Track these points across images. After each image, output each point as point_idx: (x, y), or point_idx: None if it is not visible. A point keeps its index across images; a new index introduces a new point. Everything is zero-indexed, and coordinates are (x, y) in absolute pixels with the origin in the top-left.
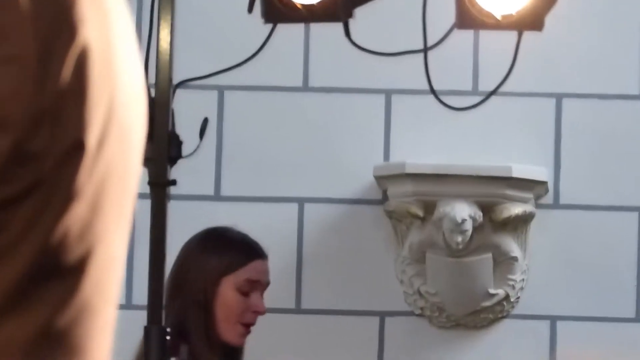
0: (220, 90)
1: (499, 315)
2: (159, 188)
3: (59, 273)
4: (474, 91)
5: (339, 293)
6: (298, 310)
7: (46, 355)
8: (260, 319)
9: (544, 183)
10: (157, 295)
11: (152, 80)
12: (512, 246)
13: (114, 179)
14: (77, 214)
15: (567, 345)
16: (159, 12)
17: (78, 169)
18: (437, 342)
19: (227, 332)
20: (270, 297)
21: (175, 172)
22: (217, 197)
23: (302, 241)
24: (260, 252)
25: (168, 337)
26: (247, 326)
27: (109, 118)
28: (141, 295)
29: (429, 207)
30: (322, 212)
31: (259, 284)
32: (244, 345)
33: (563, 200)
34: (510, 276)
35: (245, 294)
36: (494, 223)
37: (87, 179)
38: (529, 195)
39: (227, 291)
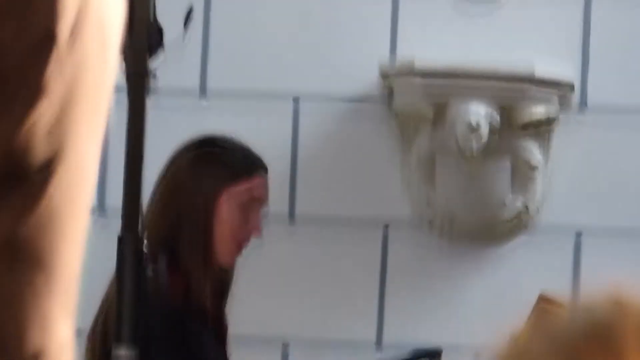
0: None
1: (517, 229)
2: (137, 78)
3: (24, 177)
4: None
5: (337, 201)
6: (292, 219)
7: (7, 267)
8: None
9: (569, 83)
10: (133, 200)
11: None
12: (533, 153)
13: (87, 77)
14: (44, 111)
15: (592, 262)
16: None
17: (47, 62)
18: (446, 257)
19: (221, 252)
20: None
21: (156, 66)
22: (203, 92)
23: (297, 143)
24: (265, 167)
25: (144, 248)
26: (241, 247)
27: (83, 8)
28: (116, 199)
29: (440, 108)
30: (321, 111)
31: (259, 203)
32: (234, 268)
33: (591, 102)
34: (530, 186)
35: (244, 211)
36: (513, 127)
37: (57, 74)
38: (553, 96)
39: (228, 206)
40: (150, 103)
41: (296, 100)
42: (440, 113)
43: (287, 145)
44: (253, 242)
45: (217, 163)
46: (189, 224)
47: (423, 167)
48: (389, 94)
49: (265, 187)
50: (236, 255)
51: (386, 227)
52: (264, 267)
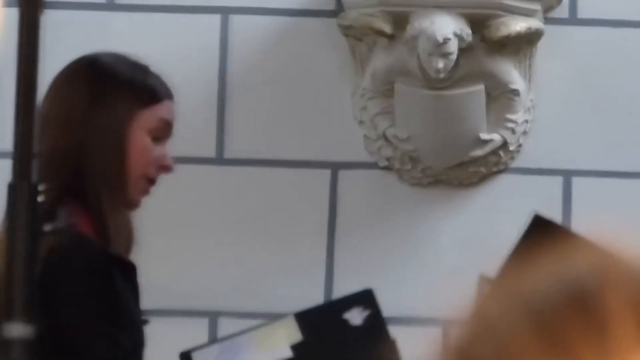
0: None
1: (494, 169)
2: None
3: None
4: None
5: (274, 137)
6: (220, 159)
7: None
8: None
9: None
10: (25, 140)
11: None
12: (512, 75)
13: None
14: None
15: (584, 208)
16: None
17: None
18: (409, 204)
19: (132, 188)
20: (183, 142)
21: None
22: (111, 4)
23: (226, 65)
24: (170, 91)
25: (41, 198)
26: (151, 183)
27: None
28: (7, 140)
29: (400, 21)
30: (254, 27)
31: (168, 130)
32: (138, 207)
33: (582, 12)
34: (510, 116)
35: (155, 139)
36: (488, 43)
37: None
38: (535, 5)
39: (139, 133)
40: (46, 17)
41: (225, 14)
42: (399, 27)
43: (214, 70)
44: (175, 184)
45: (124, 85)
46: (99, 157)
47: (379, 95)
48: (336, 4)
49: (174, 111)
50: (145, 192)
51: (335, 168)
52: (187, 215)
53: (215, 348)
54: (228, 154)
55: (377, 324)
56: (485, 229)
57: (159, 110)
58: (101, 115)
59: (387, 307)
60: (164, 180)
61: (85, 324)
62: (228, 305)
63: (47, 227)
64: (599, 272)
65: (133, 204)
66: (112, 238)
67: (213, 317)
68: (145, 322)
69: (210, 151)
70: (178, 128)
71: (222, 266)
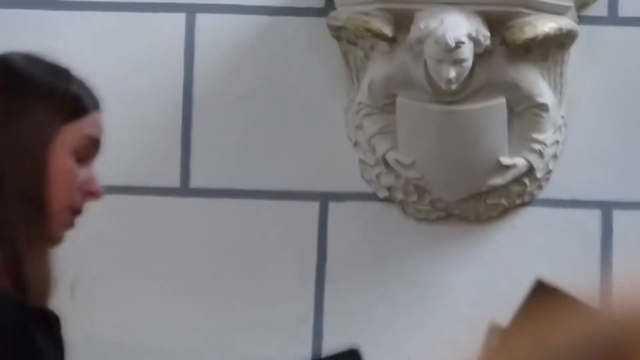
0: None
1: (518, 201)
2: None
3: None
4: None
5: (250, 162)
6: (185, 190)
7: None
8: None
9: None
10: None
11: None
12: (539, 86)
13: None
14: None
15: (627, 247)
16: None
17: None
18: (414, 243)
19: (53, 221)
20: (142, 169)
21: None
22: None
23: (192, 76)
24: (97, 100)
25: None
26: (76, 213)
27: None
28: None
29: (402, 21)
30: (225, 28)
31: (96, 146)
32: (61, 243)
33: (624, 9)
34: (537, 136)
35: (79, 160)
36: (510, 48)
37: None
38: (567, 2)
39: (61, 155)
40: None
41: (190, 13)
42: (401, 29)
43: (178, 81)
44: (132, 218)
45: (42, 94)
46: (12, 186)
47: (377, 111)
48: (326, 2)
49: (101, 126)
50: (69, 226)
51: (324, 199)
52: (144, 255)
53: None
54: (194, 182)
55: None
56: (506, 274)
57: (85, 126)
58: (15, 134)
59: None
60: (117, 215)
61: None
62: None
63: None
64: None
65: (55, 240)
66: (31, 286)
67: None
68: None
69: (173, 180)
70: (135, 152)
71: (186, 319)
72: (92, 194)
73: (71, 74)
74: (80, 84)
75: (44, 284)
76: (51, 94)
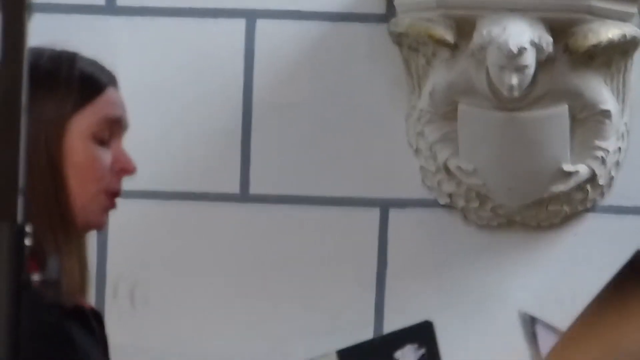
0: None
1: (580, 208)
2: None
3: None
4: None
5: (309, 169)
6: (244, 196)
7: None
8: (188, 212)
9: None
10: (7, 171)
11: None
12: (602, 93)
13: None
14: None
15: None
16: None
17: None
18: (475, 250)
19: (86, 208)
20: (200, 175)
21: None
22: (111, 6)
23: (252, 82)
24: (112, 76)
25: (28, 242)
26: (113, 195)
27: None
28: None
29: (465, 28)
30: (285, 35)
31: (119, 125)
32: (105, 227)
33: None
34: (599, 143)
35: (102, 142)
36: (573, 55)
37: None
38: (631, 8)
39: (79, 144)
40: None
41: (250, 18)
42: (463, 35)
43: (238, 88)
44: (191, 224)
45: (47, 83)
46: (28, 183)
47: (439, 118)
48: (387, 6)
49: (120, 102)
50: (107, 209)
51: (385, 206)
52: (203, 262)
53: None
54: (254, 189)
55: None
56: (567, 281)
57: (101, 107)
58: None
59: None
60: (176, 221)
61: None
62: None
63: (36, 277)
64: None
65: (97, 226)
66: (64, 285)
67: None
68: None
69: (233, 186)
70: (195, 159)
71: (245, 326)
72: (125, 171)
73: (75, 56)
74: (89, 63)
75: (77, 279)
76: (55, 82)
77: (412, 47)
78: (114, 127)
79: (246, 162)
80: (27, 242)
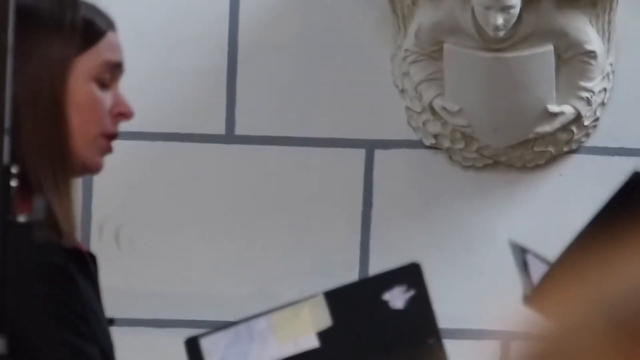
0: None
1: (565, 149)
2: None
3: None
4: None
5: (295, 110)
6: (230, 137)
7: None
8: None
9: None
10: None
11: None
12: (587, 33)
13: None
14: None
15: None
16: None
17: None
18: (461, 190)
19: (85, 150)
20: (186, 116)
21: None
22: None
23: (237, 23)
24: (111, 20)
25: (13, 182)
26: (111, 138)
27: None
28: None
29: None
30: None
31: (118, 69)
32: (101, 169)
33: None
34: (584, 83)
35: (103, 85)
36: None
37: None
38: None
39: (81, 86)
40: None
41: None
42: None
43: (223, 28)
44: (177, 165)
45: (52, 25)
46: (31, 123)
47: (424, 58)
48: None
49: (119, 46)
50: (106, 151)
51: (370, 147)
52: (190, 204)
53: (226, 334)
54: (240, 130)
55: (422, 308)
56: (553, 221)
57: (102, 51)
58: (27, 73)
59: None
60: (162, 162)
61: (47, 334)
62: (239, 315)
63: (22, 218)
64: None
65: (93, 168)
66: (63, 226)
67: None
68: (111, 322)
69: (218, 127)
70: (181, 100)
71: (230, 266)
72: (123, 115)
73: (78, 0)
74: (90, 7)
75: (73, 222)
76: (60, 25)
77: None
78: (114, 71)
79: (232, 103)
80: (13, 183)
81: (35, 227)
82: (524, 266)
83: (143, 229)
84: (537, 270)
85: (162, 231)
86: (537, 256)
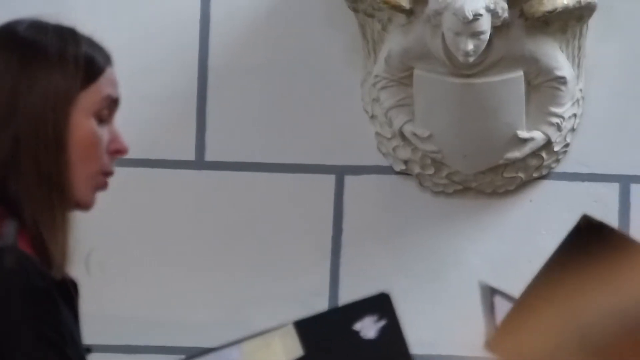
0: None
1: (535, 175)
2: None
3: None
4: None
5: (266, 135)
6: (200, 163)
7: None
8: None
9: None
10: None
11: None
12: (557, 59)
13: None
14: None
15: None
16: None
17: None
18: (431, 216)
19: (82, 186)
20: (156, 142)
21: None
22: None
23: (207, 48)
24: (108, 54)
25: None
26: (107, 176)
27: None
28: None
29: None
30: (240, 2)
31: (115, 105)
32: (92, 208)
33: None
34: (554, 109)
35: (102, 121)
36: (528, 21)
37: None
38: None
39: (83, 121)
40: None
41: None
42: (419, 1)
43: (193, 54)
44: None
45: (55, 61)
46: (32, 156)
47: (394, 84)
48: None
49: (117, 83)
50: (101, 189)
51: (341, 172)
52: (159, 230)
53: None
54: (210, 156)
55: (394, 337)
56: (523, 247)
57: (103, 86)
58: (30, 104)
59: None
60: (132, 188)
61: (32, 354)
62: (209, 342)
63: None
64: None
65: (86, 205)
66: (54, 258)
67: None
68: (89, 350)
69: (188, 153)
70: (150, 125)
71: (201, 292)
72: (119, 152)
73: (78, 35)
74: (90, 42)
75: (65, 254)
76: (63, 60)
77: (367, 12)
78: (112, 106)
79: (202, 129)
80: None
81: (6, 252)
82: (490, 309)
83: (113, 255)
84: (503, 313)
85: (132, 257)
86: (506, 297)
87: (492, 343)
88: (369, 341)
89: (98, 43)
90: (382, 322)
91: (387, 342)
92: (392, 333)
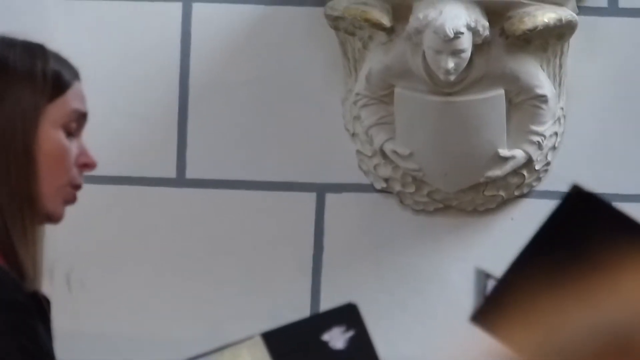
0: None
1: (516, 193)
2: None
3: None
4: None
5: (246, 153)
6: (181, 180)
7: None
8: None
9: None
10: None
11: None
12: (538, 77)
13: None
14: None
15: None
16: None
17: None
18: (412, 234)
19: (51, 198)
20: (137, 159)
21: None
22: None
23: (188, 66)
24: (75, 70)
25: None
26: (76, 189)
27: None
28: None
29: (401, 12)
30: (222, 18)
31: (83, 119)
32: (61, 220)
33: (624, 1)
34: (535, 128)
35: (69, 134)
36: (509, 39)
37: None
38: None
39: (51, 133)
40: None
41: (187, 2)
42: (400, 19)
43: (174, 72)
44: (127, 209)
45: (23, 75)
46: (2, 168)
47: (375, 102)
48: None
49: (84, 97)
50: (70, 202)
51: (321, 190)
52: (139, 247)
53: None
54: (191, 173)
55: (363, 347)
56: (504, 265)
57: (70, 100)
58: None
59: None
60: (113, 205)
61: None
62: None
63: None
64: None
65: (56, 218)
66: (27, 271)
67: None
68: None
69: (169, 170)
70: (131, 143)
71: (181, 310)
72: (87, 165)
73: (46, 50)
74: (57, 57)
75: (37, 268)
76: (31, 75)
77: (348, 30)
78: (80, 120)
79: (182, 146)
80: None
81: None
82: (482, 291)
83: (94, 273)
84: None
85: (113, 275)
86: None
87: (477, 316)
88: (338, 351)
89: (66, 59)
90: (350, 333)
91: (356, 352)
92: (361, 343)
